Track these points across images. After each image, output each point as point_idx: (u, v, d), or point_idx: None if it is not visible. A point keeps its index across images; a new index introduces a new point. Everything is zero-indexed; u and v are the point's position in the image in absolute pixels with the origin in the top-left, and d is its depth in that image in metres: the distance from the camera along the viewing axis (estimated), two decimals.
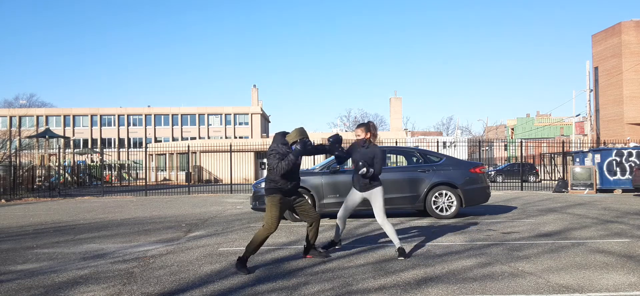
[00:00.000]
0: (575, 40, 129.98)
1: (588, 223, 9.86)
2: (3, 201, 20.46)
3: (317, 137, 43.47)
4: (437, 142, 30.27)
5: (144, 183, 28.30)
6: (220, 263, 6.39)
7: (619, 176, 20.60)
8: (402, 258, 6.35)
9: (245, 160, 42.38)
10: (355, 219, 10.94)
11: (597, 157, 21.14)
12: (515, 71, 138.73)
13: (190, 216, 12.52)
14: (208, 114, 79.61)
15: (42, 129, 58.85)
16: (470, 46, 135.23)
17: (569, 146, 33.78)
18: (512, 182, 31.05)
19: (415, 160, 11.61)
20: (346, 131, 79.32)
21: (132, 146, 74.19)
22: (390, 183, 10.80)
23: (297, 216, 10.65)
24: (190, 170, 31.33)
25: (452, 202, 10.73)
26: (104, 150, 65.92)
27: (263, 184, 10.97)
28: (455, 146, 39.17)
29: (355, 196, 6.79)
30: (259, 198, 10.71)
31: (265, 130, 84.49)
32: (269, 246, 7.56)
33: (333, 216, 11.42)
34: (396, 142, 33.63)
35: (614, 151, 20.92)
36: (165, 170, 49.82)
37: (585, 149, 25.01)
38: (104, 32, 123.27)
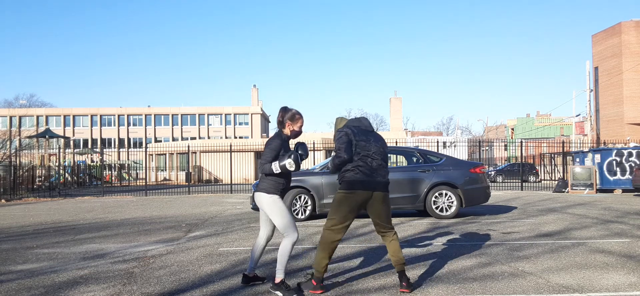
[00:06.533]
0: (575, 40, 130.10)
1: (588, 223, 9.86)
2: (3, 201, 20.46)
3: (316, 137, 43.43)
4: (437, 142, 30.27)
5: (144, 183, 28.30)
6: (221, 263, 6.39)
7: (619, 176, 20.59)
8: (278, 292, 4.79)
9: (245, 160, 42.40)
10: (355, 219, 10.93)
11: (597, 157, 21.14)
12: (515, 71, 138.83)
13: (190, 216, 12.51)
14: (208, 114, 79.62)
15: (42, 129, 58.84)
16: (471, 46, 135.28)
17: (569, 146, 33.78)
18: (512, 182, 31.05)
19: (415, 160, 11.62)
20: None
21: (132, 146, 74.20)
22: (390, 183, 10.80)
23: (298, 217, 10.64)
24: (190, 170, 31.33)
25: (452, 202, 10.73)
26: (104, 150, 65.94)
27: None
28: (455, 146, 39.15)
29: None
30: None
31: (265, 130, 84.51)
32: (270, 246, 7.56)
33: None
34: (396, 142, 33.63)
35: (614, 151, 20.92)
36: (165, 170, 49.81)
37: (585, 149, 25.02)
38: (104, 32, 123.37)
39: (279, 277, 4.74)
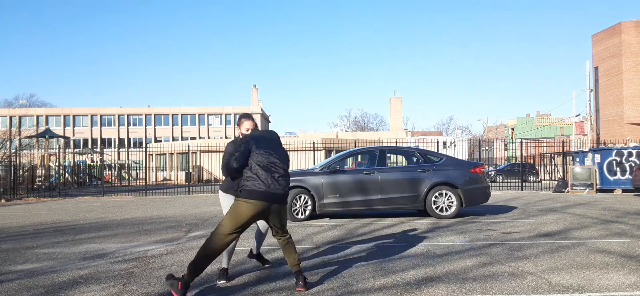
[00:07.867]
0: (575, 40, 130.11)
1: (588, 223, 9.86)
2: (3, 201, 20.46)
3: (317, 137, 43.40)
4: (437, 142, 30.27)
5: (144, 183, 28.30)
6: (221, 262, 6.38)
7: (619, 176, 20.59)
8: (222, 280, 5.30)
9: None
10: (355, 219, 10.94)
11: (597, 157, 21.13)
12: (515, 71, 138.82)
13: (190, 216, 12.51)
14: (208, 114, 79.62)
15: (42, 129, 58.82)
16: (470, 46, 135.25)
17: (569, 146, 33.77)
18: (512, 182, 31.04)
19: (415, 160, 11.62)
20: (346, 130, 79.32)
21: (132, 146, 74.17)
22: (390, 183, 10.81)
23: (297, 217, 10.65)
24: (190, 170, 31.31)
25: (452, 202, 10.72)
26: (104, 150, 65.92)
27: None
28: (455, 146, 39.15)
29: None
30: None
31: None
32: (270, 246, 7.56)
33: (333, 216, 11.42)
34: (396, 142, 33.65)
35: (614, 151, 20.91)
36: (165, 170, 49.79)
37: (585, 149, 25.00)
38: (104, 32, 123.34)
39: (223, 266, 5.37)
